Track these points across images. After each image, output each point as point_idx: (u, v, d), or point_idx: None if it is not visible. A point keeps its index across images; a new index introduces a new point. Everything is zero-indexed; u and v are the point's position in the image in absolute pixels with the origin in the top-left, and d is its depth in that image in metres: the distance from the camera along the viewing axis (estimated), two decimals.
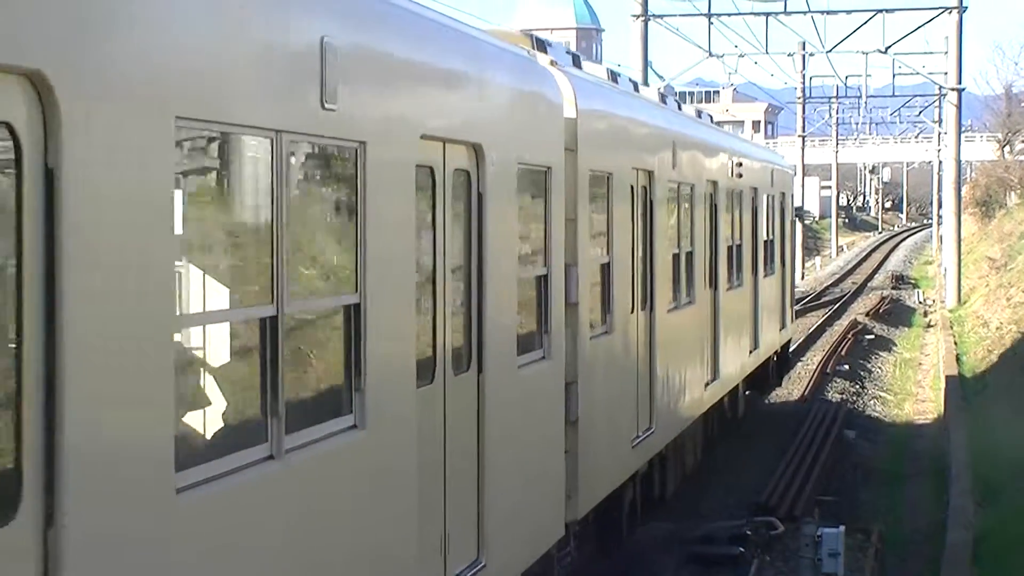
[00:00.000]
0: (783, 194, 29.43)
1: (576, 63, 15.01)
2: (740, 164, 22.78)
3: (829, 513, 20.12)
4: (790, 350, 33.43)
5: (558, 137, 12.61)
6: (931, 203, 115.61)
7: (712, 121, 24.39)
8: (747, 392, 26.73)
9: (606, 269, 14.53)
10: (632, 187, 15.48)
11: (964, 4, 53.57)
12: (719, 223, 20.97)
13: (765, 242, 26.43)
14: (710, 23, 53.22)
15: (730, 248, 22.36)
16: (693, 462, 21.02)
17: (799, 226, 78.38)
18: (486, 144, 10.36)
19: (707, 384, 20.29)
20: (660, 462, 17.74)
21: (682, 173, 18.01)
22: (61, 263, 5.29)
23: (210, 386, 6.91)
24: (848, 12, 53.87)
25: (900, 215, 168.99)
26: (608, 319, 14.56)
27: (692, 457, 20.93)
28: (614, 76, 17.10)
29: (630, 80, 18.49)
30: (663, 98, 20.04)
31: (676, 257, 18.06)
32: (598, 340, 14.10)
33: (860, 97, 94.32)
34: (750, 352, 24.44)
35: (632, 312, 15.62)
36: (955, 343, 41.72)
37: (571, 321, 13.05)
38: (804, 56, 76.06)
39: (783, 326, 29.40)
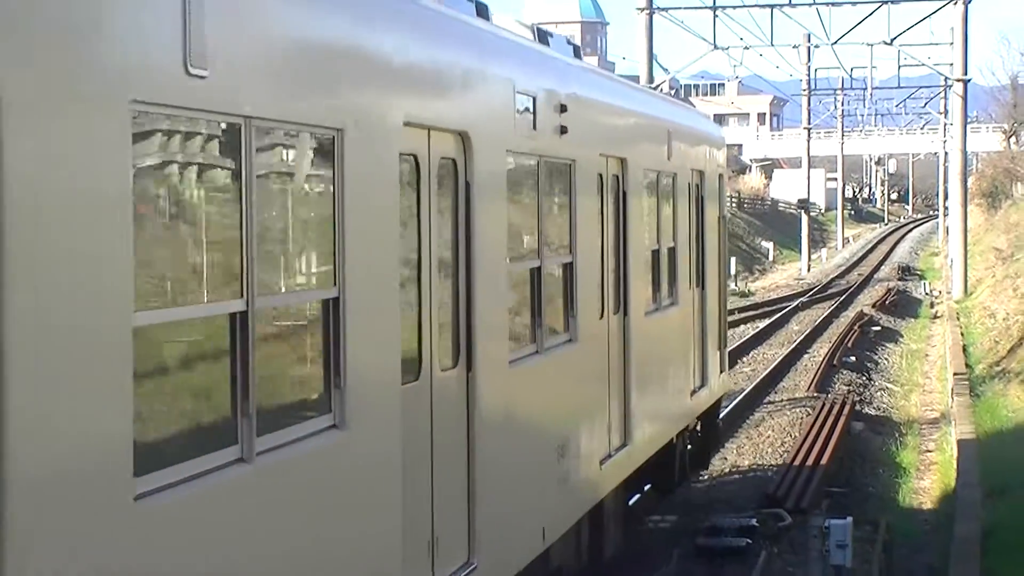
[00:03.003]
0: (700, 173, 18.81)
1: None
2: (564, 109, 12.47)
3: (837, 504, 20.06)
4: (720, 416, 21.85)
5: None
6: (937, 194, 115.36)
7: (580, 56, 14.92)
8: (640, 494, 18.06)
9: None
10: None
11: None
12: (493, 223, 10.74)
13: (658, 252, 16.47)
14: (715, 16, 53.22)
15: (541, 272, 12.17)
16: None
17: (804, 218, 78.46)
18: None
19: None
20: None
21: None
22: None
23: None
24: (853, 3, 53.78)
25: (906, 206, 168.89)
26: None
27: None
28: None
29: None
30: None
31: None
32: None
33: (865, 89, 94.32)
34: (612, 454, 14.17)
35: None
36: (962, 334, 41.68)
37: None
38: (809, 48, 75.99)
39: (701, 384, 18.76)
